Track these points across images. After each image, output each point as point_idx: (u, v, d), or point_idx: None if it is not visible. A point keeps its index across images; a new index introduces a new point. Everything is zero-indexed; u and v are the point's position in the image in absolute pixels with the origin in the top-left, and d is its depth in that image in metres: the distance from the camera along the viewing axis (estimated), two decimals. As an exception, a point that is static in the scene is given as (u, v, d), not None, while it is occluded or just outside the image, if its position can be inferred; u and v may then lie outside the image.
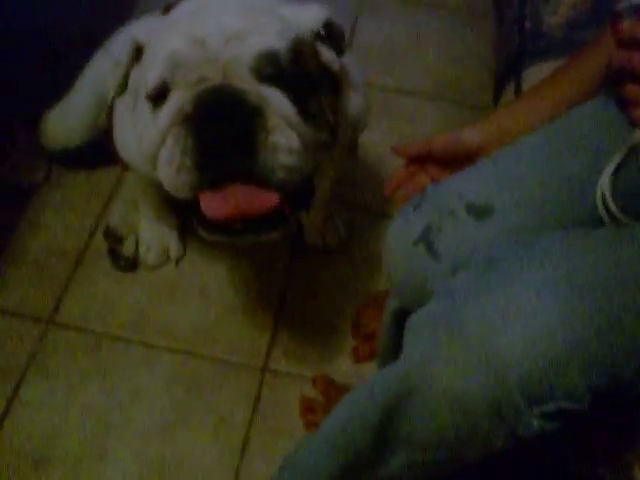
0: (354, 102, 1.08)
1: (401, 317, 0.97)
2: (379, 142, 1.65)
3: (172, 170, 0.82)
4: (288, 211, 0.85)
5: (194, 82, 0.82)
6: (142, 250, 1.40)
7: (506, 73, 1.38)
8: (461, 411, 0.74)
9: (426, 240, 0.85)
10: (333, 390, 1.24)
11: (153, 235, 1.41)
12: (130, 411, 1.24)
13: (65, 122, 1.43)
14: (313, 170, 0.90)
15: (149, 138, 0.87)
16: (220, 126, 0.79)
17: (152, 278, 1.41)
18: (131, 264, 1.40)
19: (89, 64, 1.39)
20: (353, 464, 0.86)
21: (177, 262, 1.43)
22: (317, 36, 0.94)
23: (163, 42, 0.86)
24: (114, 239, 1.40)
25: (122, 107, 1.06)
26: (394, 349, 1.07)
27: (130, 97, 0.98)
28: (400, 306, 0.97)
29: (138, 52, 0.94)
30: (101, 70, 1.30)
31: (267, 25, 0.85)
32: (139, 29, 0.94)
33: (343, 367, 1.30)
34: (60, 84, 1.45)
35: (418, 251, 0.85)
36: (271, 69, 0.83)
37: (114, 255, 1.40)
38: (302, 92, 0.85)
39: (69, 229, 1.46)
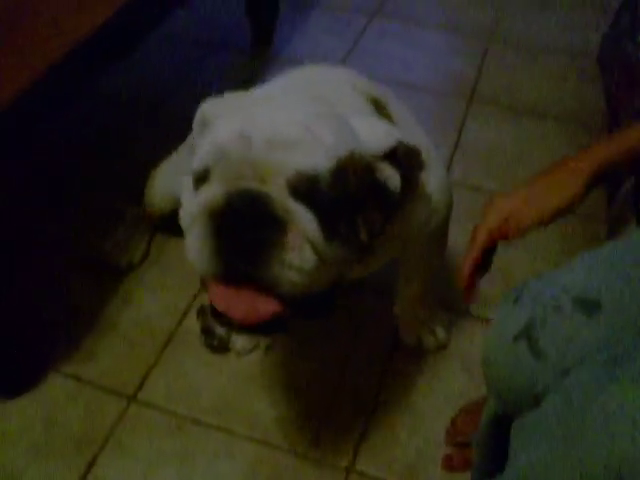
0: (433, 189, 1.05)
1: (500, 423, 0.88)
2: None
3: (193, 253, 0.84)
4: (287, 317, 0.85)
5: (232, 177, 0.82)
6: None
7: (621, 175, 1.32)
8: None
9: (528, 336, 0.78)
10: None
11: None
12: (205, 501, 1.17)
13: (169, 181, 1.43)
14: (334, 282, 0.89)
15: (188, 211, 0.88)
16: (242, 230, 0.80)
17: (240, 364, 1.36)
18: (224, 345, 1.36)
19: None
20: None
21: (266, 350, 1.38)
22: (381, 157, 0.90)
23: (218, 129, 0.86)
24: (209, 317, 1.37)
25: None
26: (492, 458, 0.98)
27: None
28: (499, 410, 0.88)
29: (204, 125, 0.94)
30: None
31: (319, 138, 0.82)
32: (211, 104, 0.95)
33: (435, 477, 1.20)
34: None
35: (519, 348, 0.78)
36: (307, 189, 0.81)
37: (207, 334, 1.36)
38: (336, 213, 0.83)
39: (162, 308, 1.44)
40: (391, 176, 0.90)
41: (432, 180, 1.05)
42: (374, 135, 0.90)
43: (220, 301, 0.83)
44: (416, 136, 1.05)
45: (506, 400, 0.84)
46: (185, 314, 1.44)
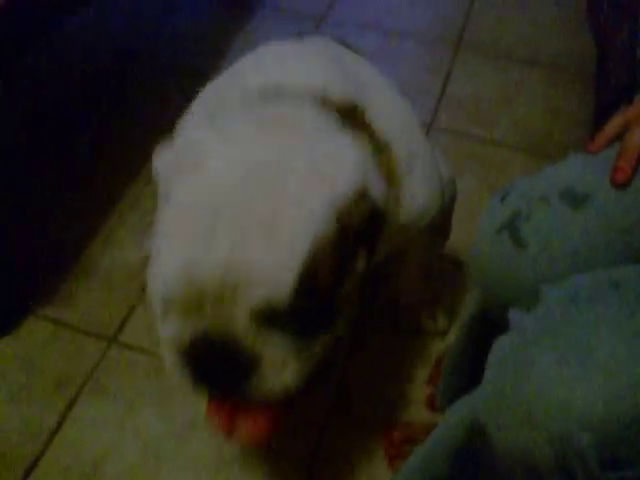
0: (417, 195, 0.94)
1: (479, 323, 0.89)
2: (467, 190, 1.58)
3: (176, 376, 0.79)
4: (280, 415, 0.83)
5: (191, 314, 0.74)
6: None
7: (611, 110, 1.30)
8: (525, 466, 0.65)
9: (511, 227, 0.77)
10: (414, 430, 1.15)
11: None
12: (185, 440, 1.16)
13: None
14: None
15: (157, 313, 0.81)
16: (215, 368, 0.75)
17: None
18: None
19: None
20: None
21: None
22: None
23: (167, 252, 0.76)
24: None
25: None
26: (467, 356, 0.99)
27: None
28: (481, 307, 0.87)
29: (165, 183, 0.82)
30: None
31: (278, 247, 0.70)
32: (163, 160, 0.82)
33: (418, 417, 1.20)
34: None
35: (501, 239, 0.77)
36: (273, 315, 0.72)
37: None
38: (309, 318, 0.75)
39: (144, 250, 1.42)
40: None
41: (417, 184, 0.94)
42: (340, 174, 0.76)
43: (221, 423, 0.81)
44: (402, 140, 0.92)
45: (490, 293, 0.82)
46: (166, 258, 1.42)
